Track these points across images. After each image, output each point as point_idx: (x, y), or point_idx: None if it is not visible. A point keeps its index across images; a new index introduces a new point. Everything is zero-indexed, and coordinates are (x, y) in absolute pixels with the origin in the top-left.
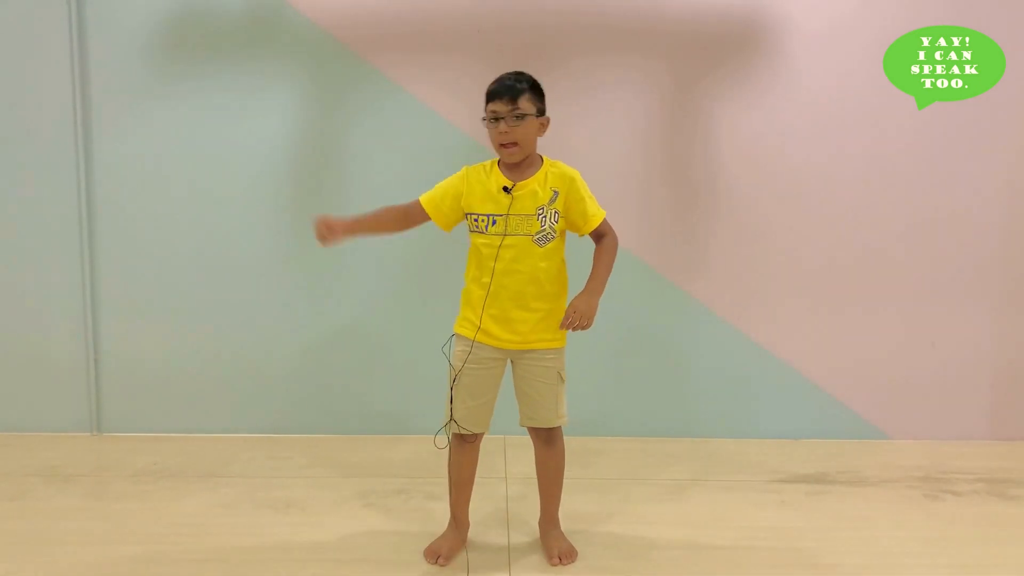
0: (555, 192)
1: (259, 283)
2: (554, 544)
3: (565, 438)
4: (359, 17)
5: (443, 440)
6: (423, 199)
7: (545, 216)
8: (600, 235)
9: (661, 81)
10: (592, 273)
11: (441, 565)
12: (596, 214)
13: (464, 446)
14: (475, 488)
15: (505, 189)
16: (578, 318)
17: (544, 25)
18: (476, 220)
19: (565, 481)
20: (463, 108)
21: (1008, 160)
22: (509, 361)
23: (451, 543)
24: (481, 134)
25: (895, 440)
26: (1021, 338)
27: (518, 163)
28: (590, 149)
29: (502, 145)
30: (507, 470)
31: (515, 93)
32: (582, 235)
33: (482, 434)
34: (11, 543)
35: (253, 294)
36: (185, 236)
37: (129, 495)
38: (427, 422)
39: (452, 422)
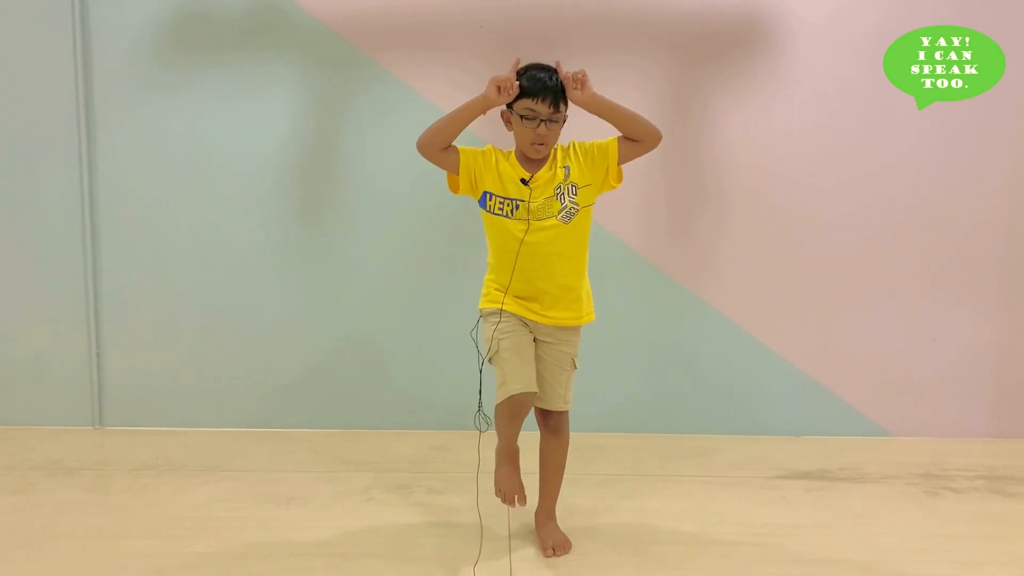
0: (567, 168)
1: (261, 278)
2: (548, 536)
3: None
4: (362, 13)
5: (480, 423)
6: (461, 147)
7: (563, 193)
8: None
9: (663, 79)
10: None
11: (522, 505)
12: (609, 139)
13: (515, 418)
14: (476, 482)
15: (523, 181)
16: (578, 78)
17: (547, 22)
18: (501, 203)
19: (568, 476)
20: (464, 102)
21: (1008, 159)
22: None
23: (517, 478)
24: (483, 130)
25: (896, 437)
26: (1022, 335)
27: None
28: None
29: (532, 143)
30: None
31: (556, 96)
32: (618, 170)
33: (528, 409)
34: (13, 536)
35: (255, 289)
36: (188, 231)
37: (131, 489)
38: (429, 418)
39: (508, 383)
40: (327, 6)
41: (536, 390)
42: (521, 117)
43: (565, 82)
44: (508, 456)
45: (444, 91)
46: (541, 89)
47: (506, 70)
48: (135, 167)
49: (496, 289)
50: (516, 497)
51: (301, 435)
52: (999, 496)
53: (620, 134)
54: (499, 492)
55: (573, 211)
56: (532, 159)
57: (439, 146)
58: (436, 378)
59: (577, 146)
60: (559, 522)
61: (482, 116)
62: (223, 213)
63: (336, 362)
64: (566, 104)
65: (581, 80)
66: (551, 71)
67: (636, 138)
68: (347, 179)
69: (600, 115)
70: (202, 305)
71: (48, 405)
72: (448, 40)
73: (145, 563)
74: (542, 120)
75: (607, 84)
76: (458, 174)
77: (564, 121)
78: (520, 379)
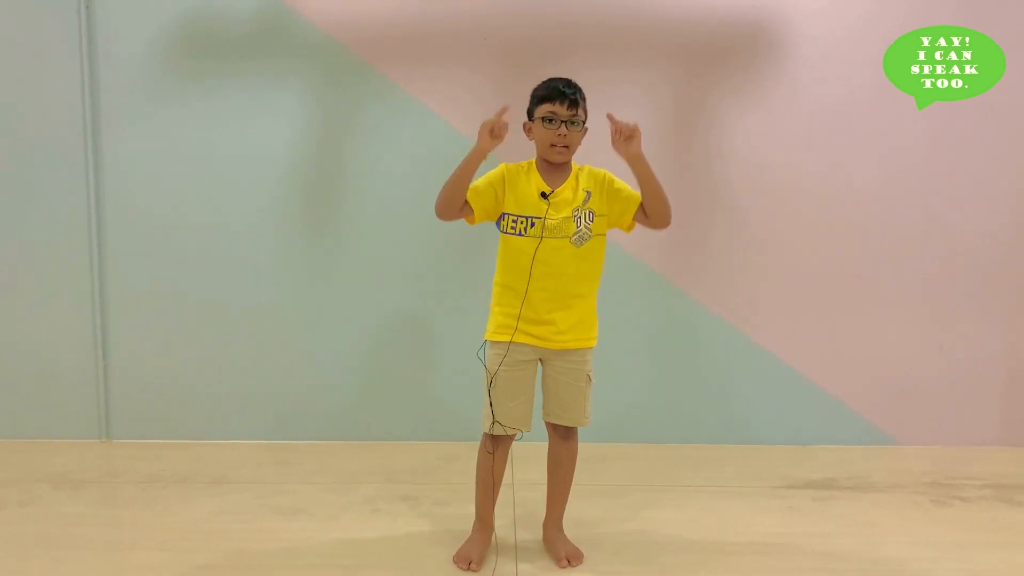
0: (588, 193)
1: (268, 290)
2: (561, 547)
3: None
4: (366, 23)
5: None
6: (471, 192)
7: (580, 217)
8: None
9: (667, 88)
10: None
11: (474, 571)
12: (637, 193)
13: (497, 448)
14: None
15: (543, 195)
16: (629, 129)
17: (551, 34)
18: (514, 222)
19: (574, 487)
20: (469, 114)
21: (1012, 160)
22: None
23: (480, 547)
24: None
25: (903, 446)
26: None
27: (558, 168)
28: (596, 153)
29: (553, 145)
30: (515, 476)
31: (575, 100)
32: (631, 222)
33: (515, 435)
34: (21, 549)
35: (262, 301)
36: (194, 242)
37: (138, 501)
38: (435, 429)
39: (496, 423)
40: (332, 17)
41: (520, 429)
42: (543, 120)
43: (613, 134)
44: (481, 526)
45: (449, 101)
46: (557, 93)
47: (556, 78)
48: (142, 178)
49: (504, 316)
50: (470, 563)
51: (307, 447)
52: (1007, 505)
53: (638, 199)
54: (456, 556)
55: (586, 236)
56: (553, 171)
57: (455, 209)
58: (443, 389)
59: (607, 179)
60: (566, 532)
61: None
62: (230, 224)
63: (343, 374)
64: (584, 110)
65: (630, 134)
66: (569, 80)
67: (651, 214)
68: (354, 190)
69: (636, 175)
70: (209, 317)
71: (55, 418)
72: (453, 52)
73: (152, 575)
74: (562, 121)
75: (614, 95)
76: (473, 209)
77: (584, 128)
78: (501, 420)
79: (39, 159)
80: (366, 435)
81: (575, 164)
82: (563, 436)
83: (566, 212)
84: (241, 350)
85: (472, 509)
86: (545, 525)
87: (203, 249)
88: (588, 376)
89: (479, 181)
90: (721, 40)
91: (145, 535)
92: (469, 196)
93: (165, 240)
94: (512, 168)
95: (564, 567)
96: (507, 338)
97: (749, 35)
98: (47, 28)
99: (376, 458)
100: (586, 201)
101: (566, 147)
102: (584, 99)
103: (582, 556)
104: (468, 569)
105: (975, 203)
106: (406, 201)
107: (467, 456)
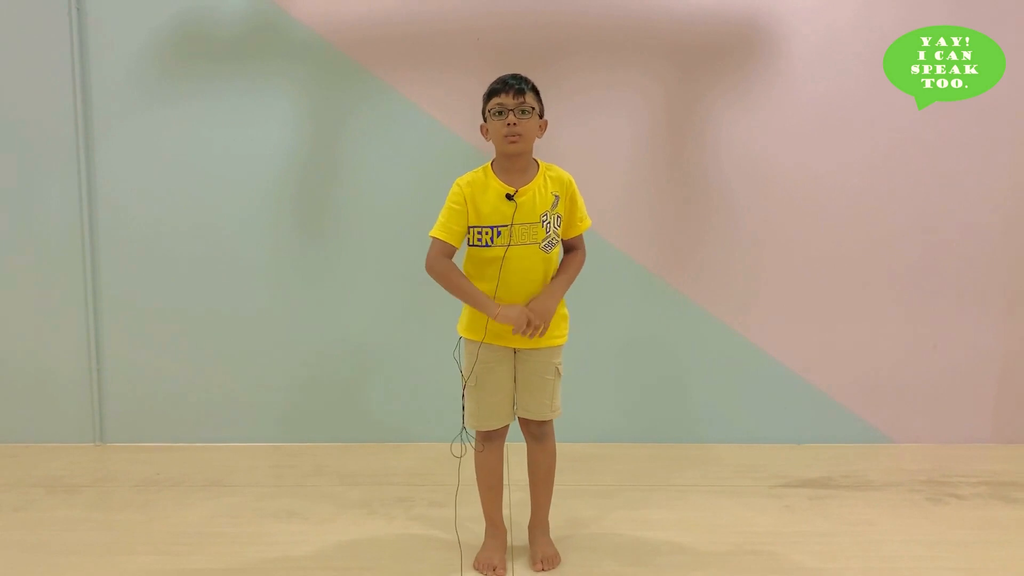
0: (556, 197)
1: (261, 293)
2: (539, 550)
3: (567, 443)
4: (359, 26)
5: (458, 448)
6: (447, 238)
7: (548, 223)
8: (573, 247)
9: (661, 87)
10: (557, 278)
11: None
12: (584, 220)
13: (490, 445)
14: (476, 494)
15: (508, 197)
16: (533, 327)
17: (544, 34)
18: (480, 234)
19: (568, 488)
20: (463, 115)
21: (1009, 160)
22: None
23: (499, 551)
24: (481, 141)
25: (898, 444)
26: None
27: (516, 163)
28: (590, 155)
29: (506, 136)
30: (507, 476)
31: (521, 89)
32: (564, 239)
33: (506, 429)
34: (16, 554)
35: (255, 304)
36: (187, 246)
37: (132, 505)
38: (429, 430)
39: (465, 428)
40: (325, 20)
41: (507, 421)
42: (492, 114)
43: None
44: (494, 530)
45: (443, 103)
46: (502, 86)
47: (506, 75)
48: (134, 181)
49: (476, 317)
50: (495, 568)
51: (301, 449)
52: (1002, 502)
53: (577, 235)
54: (476, 563)
55: (554, 242)
56: (514, 171)
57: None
58: (437, 390)
59: (572, 186)
60: (559, 532)
61: (475, 130)
62: (222, 228)
63: (336, 376)
64: (537, 97)
65: (540, 332)
66: (518, 75)
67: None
68: (346, 192)
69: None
70: (202, 320)
71: (49, 422)
72: (446, 53)
73: None
74: (511, 110)
75: (607, 95)
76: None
77: (537, 115)
78: (488, 416)
79: (31, 163)
80: (360, 437)
81: (541, 162)
82: (537, 438)
83: (533, 217)
84: (234, 353)
85: (471, 511)
86: (530, 527)
87: (195, 253)
88: (557, 369)
89: (448, 218)
90: (715, 39)
91: (140, 539)
92: (452, 242)
93: (157, 244)
94: (468, 180)
95: (539, 570)
96: (479, 338)
97: (743, 34)
98: (37, 30)
99: (370, 460)
100: (555, 205)
101: (519, 135)
102: (535, 90)
103: (559, 559)
104: (494, 574)
105: (969, 202)
106: (399, 202)
107: (462, 458)
